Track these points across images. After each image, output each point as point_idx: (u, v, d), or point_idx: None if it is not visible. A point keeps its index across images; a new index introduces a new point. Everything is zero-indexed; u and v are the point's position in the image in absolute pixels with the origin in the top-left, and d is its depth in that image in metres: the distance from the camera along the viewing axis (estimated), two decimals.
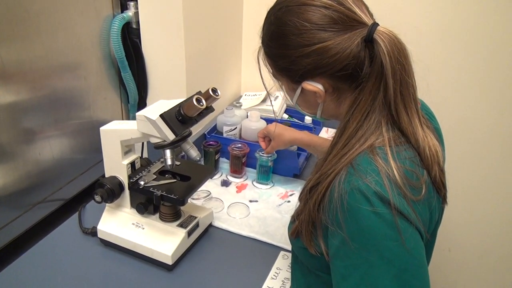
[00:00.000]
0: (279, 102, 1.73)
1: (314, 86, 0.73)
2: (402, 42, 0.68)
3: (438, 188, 0.73)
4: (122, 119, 1.42)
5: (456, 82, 1.59)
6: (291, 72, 0.74)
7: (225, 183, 1.36)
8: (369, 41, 0.67)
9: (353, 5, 0.69)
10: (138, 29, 1.34)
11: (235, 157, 1.37)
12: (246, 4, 1.76)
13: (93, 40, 1.22)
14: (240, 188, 1.34)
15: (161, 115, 0.85)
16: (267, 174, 1.36)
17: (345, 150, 0.70)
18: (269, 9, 0.77)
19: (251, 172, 1.42)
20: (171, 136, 0.86)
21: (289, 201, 1.29)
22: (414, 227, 0.64)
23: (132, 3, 1.30)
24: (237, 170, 1.39)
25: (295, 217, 0.80)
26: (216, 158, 1.39)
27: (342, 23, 0.68)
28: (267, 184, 1.36)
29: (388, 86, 0.67)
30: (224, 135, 1.49)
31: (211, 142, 1.39)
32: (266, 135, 1.30)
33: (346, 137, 0.71)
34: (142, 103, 1.46)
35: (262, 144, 1.32)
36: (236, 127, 1.49)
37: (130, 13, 1.30)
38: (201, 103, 0.84)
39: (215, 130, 1.54)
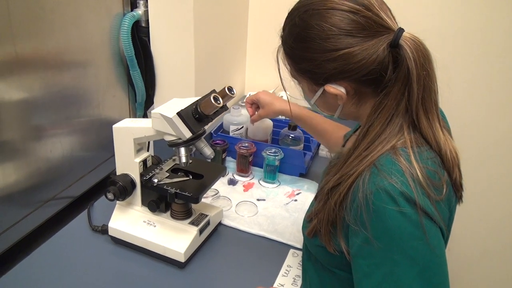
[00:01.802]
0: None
1: (337, 89, 0.74)
2: (426, 48, 0.69)
3: (456, 189, 0.75)
4: (130, 117, 1.42)
5: (471, 84, 1.61)
6: (315, 75, 0.75)
7: (232, 182, 1.37)
8: (395, 46, 0.68)
9: (379, 10, 0.69)
10: (147, 27, 1.34)
11: (242, 156, 1.37)
12: (252, 4, 1.77)
13: (104, 38, 1.22)
14: (247, 187, 1.35)
15: (178, 113, 0.85)
16: (273, 173, 1.37)
17: (368, 152, 0.71)
18: (291, 9, 0.77)
19: (257, 171, 1.42)
20: (187, 134, 0.87)
21: (296, 200, 1.30)
22: (437, 226, 0.66)
23: (142, 2, 1.30)
24: (243, 169, 1.39)
25: (312, 217, 0.81)
26: (223, 157, 1.40)
27: (370, 29, 0.68)
28: (273, 183, 1.37)
29: (413, 91, 0.68)
30: (231, 134, 1.49)
31: (218, 141, 1.40)
32: (255, 102, 1.26)
33: (369, 140, 0.71)
34: (149, 102, 1.46)
35: (249, 110, 1.27)
36: (242, 126, 1.49)
37: (139, 11, 1.30)
38: (218, 102, 0.85)
39: (221, 129, 1.54)
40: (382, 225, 0.65)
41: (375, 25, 0.68)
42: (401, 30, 0.68)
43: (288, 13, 0.77)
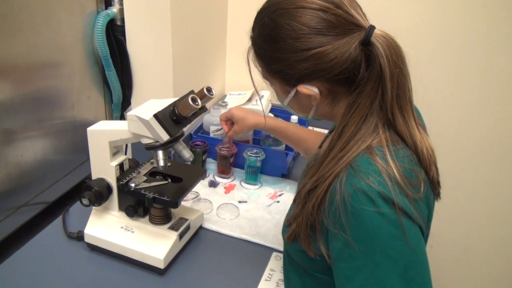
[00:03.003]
0: (264, 101, 1.72)
1: (309, 89, 0.72)
2: (398, 44, 0.68)
3: (434, 187, 0.75)
4: (106, 119, 1.38)
5: (451, 83, 1.62)
6: (287, 75, 0.73)
7: (213, 184, 1.34)
8: (366, 44, 0.67)
9: (350, 7, 0.68)
10: (122, 26, 1.30)
11: (223, 157, 1.35)
12: (231, 2, 1.74)
13: (77, 37, 1.18)
14: (228, 189, 1.33)
15: (154, 115, 0.82)
16: (255, 175, 1.34)
17: (343, 152, 0.69)
18: (260, 8, 0.75)
19: (238, 172, 1.40)
20: (165, 137, 0.84)
21: (278, 202, 1.28)
22: (417, 225, 0.65)
23: None
24: (224, 171, 1.37)
25: (291, 221, 0.79)
26: (204, 159, 1.37)
27: (340, 27, 0.67)
28: (255, 185, 1.35)
29: (387, 89, 0.67)
30: (211, 134, 1.47)
31: (198, 142, 1.37)
32: (229, 119, 1.29)
33: (344, 140, 0.70)
34: (126, 103, 1.42)
35: (224, 127, 1.30)
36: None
37: (114, 9, 1.26)
38: (197, 103, 0.82)
39: (201, 129, 1.51)
40: (361, 227, 0.64)
41: (346, 23, 0.67)
42: (372, 28, 0.67)
43: (257, 13, 0.75)
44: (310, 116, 0.80)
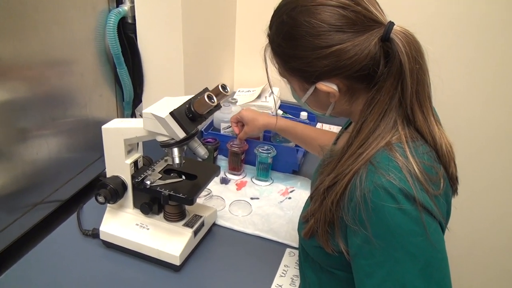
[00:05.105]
0: (274, 98, 1.71)
1: (329, 87, 0.72)
2: (417, 40, 0.68)
3: (453, 182, 0.75)
4: (117, 117, 1.39)
5: (467, 79, 1.61)
6: (306, 73, 0.73)
7: (225, 181, 1.34)
8: (386, 40, 0.67)
9: (368, 4, 0.68)
10: (133, 24, 1.30)
11: (234, 154, 1.35)
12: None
13: (89, 36, 1.18)
14: (240, 186, 1.33)
15: (171, 113, 0.83)
16: (266, 171, 1.35)
17: (362, 149, 0.69)
18: (277, 6, 0.75)
19: (249, 169, 1.40)
20: (181, 135, 0.84)
21: (290, 198, 1.28)
22: (437, 221, 0.65)
23: None
24: (235, 167, 1.37)
25: (308, 217, 0.79)
26: (215, 156, 1.38)
27: (360, 23, 0.67)
28: (266, 181, 1.35)
29: (407, 85, 0.67)
30: (222, 131, 1.47)
31: (209, 139, 1.37)
32: (239, 120, 1.31)
33: (363, 137, 0.70)
34: (137, 100, 1.42)
35: (235, 129, 1.32)
36: None
37: (125, 7, 1.26)
38: (213, 100, 0.83)
39: (211, 126, 1.52)
40: (382, 224, 0.64)
41: (365, 19, 0.67)
42: (391, 24, 0.67)
43: (275, 11, 0.75)
44: (328, 113, 0.80)
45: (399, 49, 0.65)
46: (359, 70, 0.68)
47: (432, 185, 0.66)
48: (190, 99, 0.88)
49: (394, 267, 0.64)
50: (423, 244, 0.63)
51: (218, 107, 0.91)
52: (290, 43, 0.71)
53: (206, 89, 0.90)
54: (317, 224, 0.75)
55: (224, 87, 0.87)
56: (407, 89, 0.67)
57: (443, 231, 0.68)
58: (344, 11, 0.66)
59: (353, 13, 0.66)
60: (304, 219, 0.82)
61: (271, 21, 0.76)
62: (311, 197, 0.81)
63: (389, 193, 0.63)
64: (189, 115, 0.85)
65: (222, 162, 1.42)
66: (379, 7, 0.71)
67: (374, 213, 0.64)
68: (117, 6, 1.26)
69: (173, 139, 0.88)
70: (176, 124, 0.83)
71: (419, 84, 0.68)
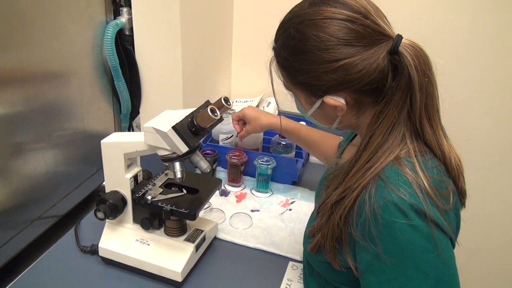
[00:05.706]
0: (271, 108, 1.71)
1: (336, 100, 0.71)
2: (426, 53, 0.68)
3: (462, 196, 0.74)
4: (115, 130, 1.37)
5: (476, 92, 1.59)
6: (313, 87, 0.72)
7: (224, 193, 1.33)
8: (394, 53, 0.66)
9: (376, 17, 0.67)
10: (131, 35, 1.29)
11: (233, 166, 1.34)
12: (236, 11, 1.74)
13: (86, 48, 1.17)
14: (240, 198, 1.32)
15: (173, 127, 0.81)
16: (266, 182, 1.33)
17: (370, 163, 0.68)
18: (284, 20, 0.74)
19: (248, 181, 1.39)
20: (183, 149, 0.83)
21: (290, 209, 1.27)
22: (448, 237, 0.65)
23: (125, 9, 1.25)
24: (235, 179, 1.36)
25: (315, 232, 0.78)
26: (214, 168, 1.36)
27: (369, 37, 0.66)
28: (266, 193, 1.34)
29: (415, 98, 0.66)
30: (220, 143, 1.46)
31: (207, 151, 1.36)
32: (241, 118, 1.27)
33: (371, 151, 0.69)
34: (134, 112, 1.41)
35: (237, 127, 1.28)
36: (232, 135, 1.46)
37: (123, 19, 1.25)
38: (216, 114, 0.82)
39: (209, 138, 1.50)
40: (392, 240, 0.63)
41: (373, 33, 0.66)
42: (399, 37, 0.66)
43: (280, 24, 0.74)
44: (334, 126, 0.79)
45: (407, 62, 0.65)
46: (368, 84, 0.67)
47: (442, 199, 0.66)
48: (192, 112, 0.87)
49: (405, 284, 0.63)
50: (435, 260, 0.62)
51: (220, 120, 0.90)
52: (298, 57, 0.70)
53: (208, 102, 0.89)
54: (324, 239, 0.74)
55: (226, 100, 0.86)
56: (416, 102, 0.66)
57: (453, 246, 0.67)
58: (353, 25, 0.65)
59: (361, 27, 0.65)
60: (310, 234, 0.81)
61: (277, 34, 0.75)
62: (317, 212, 0.80)
63: (400, 209, 0.62)
64: (192, 129, 0.83)
65: (221, 173, 1.41)
66: (387, 20, 0.70)
67: (384, 229, 0.63)
68: (115, 18, 1.25)
69: (174, 153, 0.87)
70: (179, 138, 0.82)
71: (428, 97, 0.67)
